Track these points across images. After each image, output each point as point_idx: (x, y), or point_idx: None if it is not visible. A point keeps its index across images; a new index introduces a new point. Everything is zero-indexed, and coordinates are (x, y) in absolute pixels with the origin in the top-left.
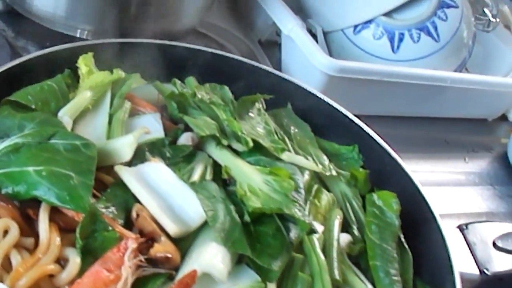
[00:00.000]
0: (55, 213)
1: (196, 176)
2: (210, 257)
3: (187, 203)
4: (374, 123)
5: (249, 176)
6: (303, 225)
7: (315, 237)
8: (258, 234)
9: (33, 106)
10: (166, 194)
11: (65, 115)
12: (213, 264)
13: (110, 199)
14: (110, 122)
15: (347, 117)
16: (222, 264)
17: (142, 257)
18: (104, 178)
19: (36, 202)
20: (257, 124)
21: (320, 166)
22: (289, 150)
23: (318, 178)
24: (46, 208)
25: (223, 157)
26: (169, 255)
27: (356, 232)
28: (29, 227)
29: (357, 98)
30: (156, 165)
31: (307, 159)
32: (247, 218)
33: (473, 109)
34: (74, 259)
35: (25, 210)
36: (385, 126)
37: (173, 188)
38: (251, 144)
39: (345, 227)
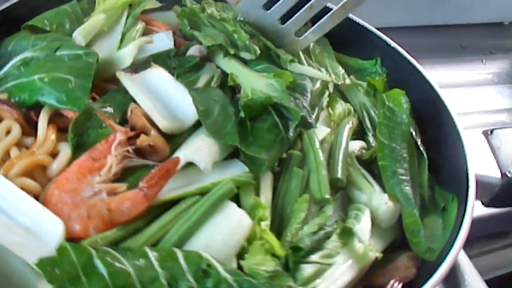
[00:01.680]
0: (56, 116)
1: (200, 84)
2: (195, 147)
3: (183, 103)
4: (391, 34)
5: (253, 81)
6: (295, 114)
7: (315, 135)
8: (253, 129)
9: (48, 29)
10: (162, 96)
11: (79, 35)
12: (197, 153)
13: (108, 101)
14: (122, 41)
15: (367, 29)
16: (206, 153)
17: (129, 148)
18: (109, 88)
19: (40, 107)
20: None
21: (333, 76)
22: (301, 63)
23: (338, 91)
24: (46, 110)
25: (230, 66)
26: (155, 145)
27: (371, 139)
28: (31, 129)
29: (375, 10)
30: (156, 71)
31: (320, 71)
32: (242, 114)
33: (488, 12)
34: (65, 151)
35: (29, 114)
36: (403, 37)
37: (171, 91)
38: (258, 51)
39: (361, 135)
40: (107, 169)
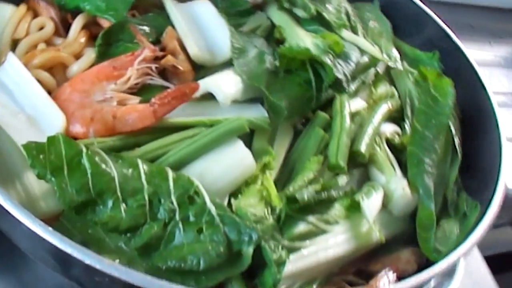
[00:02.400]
0: (91, 24)
1: (245, 28)
2: (219, 79)
3: (220, 38)
4: None
5: (300, 37)
6: (330, 73)
7: (348, 104)
8: (284, 80)
9: None
10: (202, 27)
11: None
12: (218, 85)
13: (146, 21)
14: None
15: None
16: (228, 88)
17: (153, 66)
18: (152, 11)
19: (78, 13)
20: (329, 4)
21: (385, 56)
22: (355, 33)
23: (387, 74)
24: (83, 15)
25: (280, 19)
26: (180, 67)
27: (407, 127)
28: (64, 31)
29: None
30: (202, 2)
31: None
32: (277, 62)
33: None
34: (89, 55)
35: (66, 15)
36: None
37: (211, 24)
38: (313, 12)
39: (398, 122)
40: (124, 79)
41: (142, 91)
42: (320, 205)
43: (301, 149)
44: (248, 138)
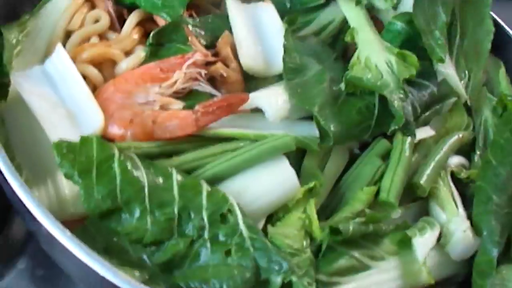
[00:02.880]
0: (147, 21)
1: (310, 30)
2: (270, 94)
3: (278, 49)
4: None
5: (373, 48)
6: (398, 118)
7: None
8: (343, 103)
9: None
10: (261, 34)
11: None
12: (269, 101)
13: (204, 22)
14: None
15: None
16: (279, 105)
17: (202, 72)
18: (212, 11)
19: (135, 8)
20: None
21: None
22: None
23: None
24: (139, 11)
25: (356, 17)
26: (229, 76)
27: (476, 158)
28: (120, 27)
29: None
30: (265, 6)
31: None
32: (342, 86)
33: None
34: (139, 54)
35: (122, 10)
36: None
37: (271, 31)
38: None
39: (468, 154)
40: (170, 83)
41: (188, 97)
42: (367, 239)
43: (354, 177)
44: (297, 159)
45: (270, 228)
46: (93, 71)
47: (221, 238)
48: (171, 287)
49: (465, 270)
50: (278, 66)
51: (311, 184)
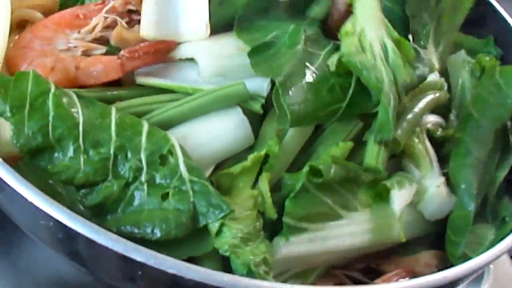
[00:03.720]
0: None
1: None
2: (208, 46)
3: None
4: None
5: (371, 21)
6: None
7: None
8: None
9: None
10: None
11: None
12: (205, 53)
13: None
14: None
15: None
16: (215, 58)
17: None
18: None
19: None
20: None
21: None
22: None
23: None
24: None
25: None
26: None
27: (453, 118)
28: None
29: None
30: None
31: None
32: (330, 63)
33: None
34: None
35: None
36: None
37: None
38: None
39: (444, 113)
40: (90, 27)
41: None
42: (343, 186)
43: (322, 139)
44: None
45: None
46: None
47: (159, 180)
48: None
49: (436, 227)
50: (197, 34)
51: (261, 152)
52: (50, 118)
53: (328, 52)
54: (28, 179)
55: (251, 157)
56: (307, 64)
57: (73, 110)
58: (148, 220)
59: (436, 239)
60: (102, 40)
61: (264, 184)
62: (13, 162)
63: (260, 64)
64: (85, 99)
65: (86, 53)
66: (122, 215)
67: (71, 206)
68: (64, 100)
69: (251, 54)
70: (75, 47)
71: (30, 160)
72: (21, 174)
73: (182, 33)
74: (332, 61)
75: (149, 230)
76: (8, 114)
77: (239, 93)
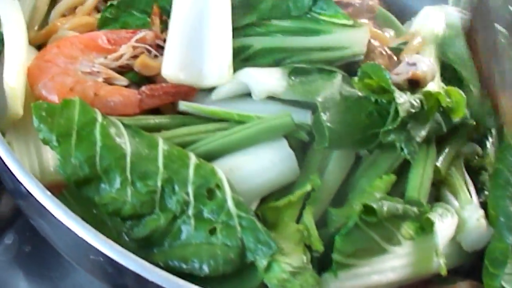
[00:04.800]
0: None
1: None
2: (259, 72)
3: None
4: None
5: None
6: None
7: None
8: (353, 103)
9: None
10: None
11: None
12: (256, 77)
13: None
14: None
15: None
16: (266, 81)
17: (153, 50)
18: None
19: None
20: None
21: None
22: None
23: None
24: None
25: None
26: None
27: (489, 145)
28: None
29: None
30: None
31: None
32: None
33: None
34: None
35: None
36: None
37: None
38: None
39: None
40: (117, 55)
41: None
42: (389, 221)
43: (364, 171)
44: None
45: None
46: None
47: (206, 214)
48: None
49: (474, 257)
50: (221, 78)
51: (307, 187)
52: (98, 148)
53: None
54: (72, 208)
55: (297, 192)
56: (345, 88)
57: (120, 140)
58: (196, 256)
59: (471, 269)
60: (127, 68)
61: (308, 218)
62: (56, 190)
63: (297, 86)
64: (131, 129)
65: (108, 81)
66: (169, 249)
67: (117, 237)
68: (112, 130)
69: (290, 74)
70: (98, 72)
71: (76, 190)
72: (65, 203)
73: (205, 76)
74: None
75: (197, 265)
76: (55, 143)
77: (286, 125)
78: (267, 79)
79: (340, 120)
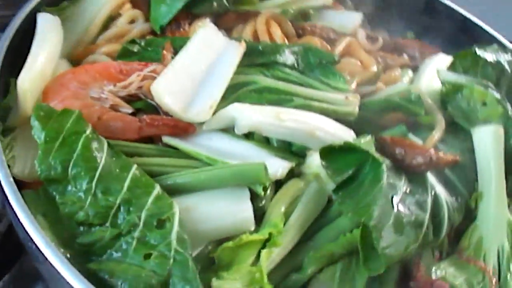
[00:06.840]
0: None
1: None
2: (248, 107)
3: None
4: None
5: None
6: None
7: None
8: None
9: None
10: (203, 72)
11: None
12: (242, 111)
13: None
14: None
15: None
16: (251, 115)
17: None
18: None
19: None
20: None
21: None
22: None
23: None
24: None
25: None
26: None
27: None
28: None
29: None
30: (234, 48)
31: None
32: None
33: None
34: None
35: None
36: None
37: (218, 74)
38: None
39: None
40: (125, 83)
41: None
42: None
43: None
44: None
45: (214, 282)
46: None
47: (149, 240)
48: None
49: None
50: (199, 115)
51: (266, 234)
52: (75, 155)
53: (405, 183)
54: (39, 202)
55: (253, 236)
56: (394, 203)
57: (97, 154)
58: (122, 273)
59: None
60: (135, 97)
61: (263, 261)
62: (35, 187)
63: (346, 202)
64: (113, 151)
65: (114, 108)
66: (105, 261)
67: (67, 238)
68: (94, 144)
69: (336, 192)
70: (106, 98)
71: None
72: (35, 196)
73: (188, 110)
74: None
75: (119, 282)
76: (42, 141)
77: (257, 174)
78: (252, 114)
79: (393, 241)
